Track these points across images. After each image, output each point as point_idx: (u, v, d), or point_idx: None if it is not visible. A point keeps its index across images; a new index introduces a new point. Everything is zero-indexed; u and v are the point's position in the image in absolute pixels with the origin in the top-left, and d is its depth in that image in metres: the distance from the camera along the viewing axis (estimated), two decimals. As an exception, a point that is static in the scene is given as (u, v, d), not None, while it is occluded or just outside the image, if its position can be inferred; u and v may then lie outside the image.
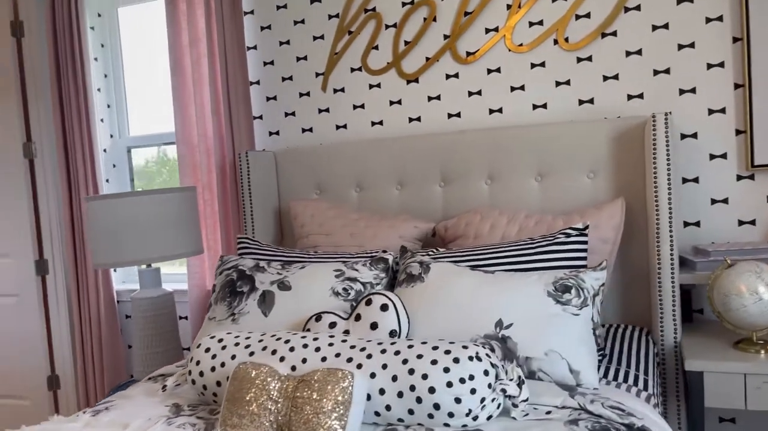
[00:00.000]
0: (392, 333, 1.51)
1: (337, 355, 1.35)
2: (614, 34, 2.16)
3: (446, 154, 2.30)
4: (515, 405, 1.29)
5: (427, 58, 2.43)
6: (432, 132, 2.44)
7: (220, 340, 1.49)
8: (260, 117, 2.72)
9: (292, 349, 1.39)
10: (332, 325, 1.57)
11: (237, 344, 1.47)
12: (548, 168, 2.15)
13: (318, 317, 1.60)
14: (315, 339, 1.41)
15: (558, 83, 2.25)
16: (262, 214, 2.49)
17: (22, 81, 3.07)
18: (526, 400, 1.30)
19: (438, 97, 2.43)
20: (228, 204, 2.63)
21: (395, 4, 2.44)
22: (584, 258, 1.73)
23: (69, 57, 2.91)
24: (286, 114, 2.68)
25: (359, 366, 1.31)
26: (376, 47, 2.50)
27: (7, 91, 3.04)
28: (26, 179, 3.06)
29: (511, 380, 1.29)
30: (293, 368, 1.34)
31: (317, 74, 2.60)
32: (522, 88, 2.31)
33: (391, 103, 2.50)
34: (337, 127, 2.59)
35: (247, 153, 2.42)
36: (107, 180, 3.09)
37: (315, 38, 2.59)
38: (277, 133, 2.70)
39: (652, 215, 1.89)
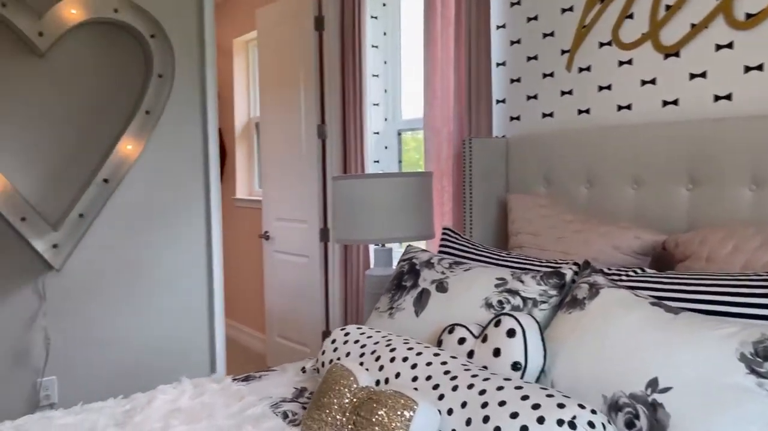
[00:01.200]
0: (515, 366, 1.26)
1: (428, 378, 1.20)
2: None
3: (702, 147, 1.79)
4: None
5: (693, 25, 1.91)
6: (689, 119, 1.93)
7: (347, 334, 1.47)
8: (503, 101, 2.55)
9: (392, 359, 1.29)
10: (461, 341, 1.39)
11: (357, 341, 1.43)
12: None
13: (451, 329, 1.44)
14: (418, 354, 1.28)
15: None
16: (484, 204, 2.34)
17: (320, 70, 3.49)
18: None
19: (703, 75, 1.90)
20: (459, 192, 2.55)
21: (655, -40, 1.97)
22: None
23: (350, 46, 3.19)
24: (528, 97, 2.45)
25: (441, 397, 1.14)
26: (631, 16, 2.08)
27: (311, 79, 3.50)
28: (318, 157, 3.50)
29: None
30: (378, 382, 1.24)
31: (563, 52, 2.30)
32: (825, 58, 1.64)
33: (643, 83, 2.05)
34: (579, 111, 2.26)
35: (471, 140, 2.30)
36: (377, 161, 3.31)
37: (563, 11, 2.29)
38: (518, 118, 2.49)
39: None
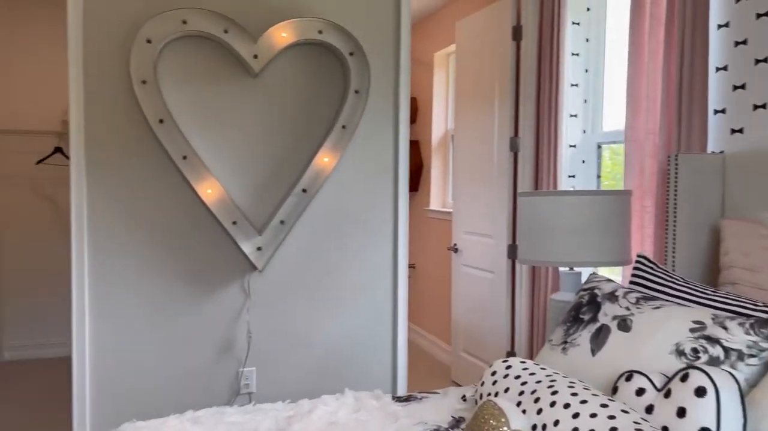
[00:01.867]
0: (706, 432, 1.05)
1: (592, 433, 1.05)
2: None
3: None
4: None
5: None
6: None
7: (508, 367, 1.37)
8: (722, 111, 2.21)
9: (552, 404, 1.16)
10: (639, 392, 1.20)
11: (518, 377, 1.31)
12: None
13: (629, 376, 1.25)
14: (583, 402, 1.13)
15: None
16: (691, 230, 2.04)
17: (517, 81, 3.38)
18: None
19: None
20: (662, 214, 2.27)
21: None
22: None
23: (548, 55, 3.03)
24: (755, 107, 2.08)
25: (605, 458, 0.99)
26: None
27: (506, 90, 3.40)
28: (509, 170, 3.38)
29: None
30: (534, 427, 1.12)
31: (802, 52, 1.92)
32: None
33: None
34: (823, 124, 1.86)
35: (677, 156, 2.03)
36: (572, 176, 3.10)
37: (804, 3, 1.91)
38: (741, 131, 2.14)
39: None
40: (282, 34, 2.75)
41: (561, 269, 2.67)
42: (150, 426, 1.47)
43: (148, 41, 2.59)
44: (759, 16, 2.06)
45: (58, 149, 4.48)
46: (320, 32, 2.80)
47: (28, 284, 4.71)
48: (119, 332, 2.74)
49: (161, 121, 2.63)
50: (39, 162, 4.53)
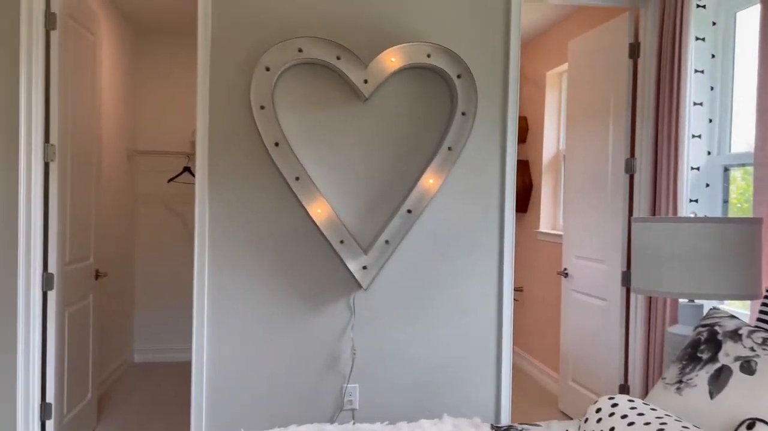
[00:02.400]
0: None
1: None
2: None
3: None
4: None
5: None
6: None
7: (614, 405, 1.29)
8: None
9: (661, 450, 1.08)
10: (764, 444, 1.09)
11: (624, 416, 1.24)
12: None
13: (751, 423, 1.14)
14: (696, 450, 1.04)
15: None
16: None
17: (633, 100, 3.23)
18: None
19: None
20: (798, 245, 2.07)
21: None
22: None
23: (668, 73, 2.88)
24: None
25: None
26: None
27: (621, 109, 3.26)
28: (624, 193, 3.22)
29: None
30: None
31: None
32: None
33: None
34: None
35: (815, 182, 1.84)
36: (695, 200, 2.90)
37: None
38: None
39: None
40: (391, 59, 2.82)
41: (680, 300, 2.50)
42: None
43: (267, 69, 2.75)
44: None
45: (186, 169, 4.84)
46: (428, 56, 2.84)
47: (158, 292, 5.10)
48: (234, 341, 2.89)
49: (277, 144, 2.77)
50: (170, 180, 4.92)
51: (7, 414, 2.77)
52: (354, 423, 1.65)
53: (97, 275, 3.40)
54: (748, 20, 2.79)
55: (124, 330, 4.84)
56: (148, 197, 5.07)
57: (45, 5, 2.75)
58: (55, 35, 2.76)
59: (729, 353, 1.43)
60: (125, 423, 3.68)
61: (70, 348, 3.08)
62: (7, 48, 2.70)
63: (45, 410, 2.85)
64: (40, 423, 2.82)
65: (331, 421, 2.98)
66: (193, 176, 4.48)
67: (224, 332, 2.88)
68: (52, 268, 2.82)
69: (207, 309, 2.86)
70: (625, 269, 3.21)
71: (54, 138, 2.80)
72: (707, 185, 2.91)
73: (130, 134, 4.89)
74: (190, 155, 4.80)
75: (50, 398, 2.86)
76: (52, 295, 2.83)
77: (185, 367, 4.82)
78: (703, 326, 1.62)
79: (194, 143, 4.79)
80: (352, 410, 2.97)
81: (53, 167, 2.81)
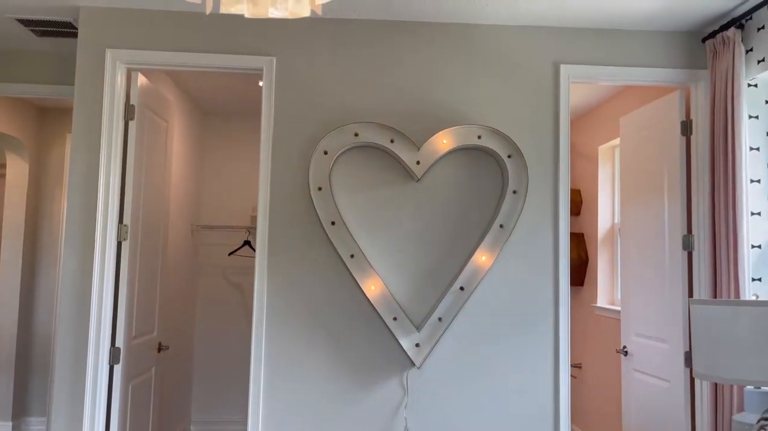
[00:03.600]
0: None
1: None
2: None
3: None
4: None
5: None
6: None
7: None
8: None
9: None
10: None
11: None
12: None
13: None
14: None
15: None
16: None
17: (688, 176, 3.21)
18: None
19: None
20: None
21: None
22: None
23: (722, 150, 2.87)
24: None
25: None
26: None
27: (675, 185, 3.24)
28: (683, 270, 3.15)
29: None
30: None
31: None
32: None
33: None
34: None
35: None
36: (758, 279, 2.81)
37: None
38: None
39: None
40: (443, 141, 2.92)
41: (747, 387, 2.40)
42: None
43: (325, 152, 2.90)
44: None
45: (246, 242, 5.02)
46: (479, 137, 2.93)
47: (216, 363, 5.19)
48: (288, 414, 2.92)
49: (333, 223, 2.88)
50: (231, 254, 5.11)
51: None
52: None
53: (160, 349, 3.52)
54: (803, 97, 2.77)
55: (183, 402, 4.93)
56: (209, 269, 5.25)
57: (125, 98, 3.01)
58: (132, 125, 3.00)
59: (795, 451, 1.38)
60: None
61: (131, 420, 3.17)
62: (89, 136, 2.95)
63: None
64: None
65: (384, 503, 2.93)
66: (253, 249, 4.65)
67: (279, 406, 2.92)
68: (119, 342, 2.95)
69: (263, 385, 2.92)
70: (687, 349, 3.10)
71: (127, 218, 2.99)
72: (771, 263, 2.83)
73: (194, 210, 5.14)
74: (250, 230, 4.99)
75: None
76: (118, 368, 2.95)
77: (239, 440, 4.84)
78: (765, 418, 1.56)
79: (254, 218, 5.00)
80: (405, 493, 2.92)
81: (125, 246, 2.98)
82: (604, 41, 3.15)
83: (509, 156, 2.94)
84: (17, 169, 4.89)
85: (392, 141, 2.91)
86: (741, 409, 2.62)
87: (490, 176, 3.06)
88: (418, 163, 2.92)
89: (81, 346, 2.87)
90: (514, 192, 2.95)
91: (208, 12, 1.26)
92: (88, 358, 2.84)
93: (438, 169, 3.05)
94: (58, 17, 3.11)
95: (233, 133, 5.36)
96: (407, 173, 3.02)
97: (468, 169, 3.06)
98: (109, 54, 2.95)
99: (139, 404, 3.27)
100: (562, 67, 3.10)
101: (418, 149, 2.91)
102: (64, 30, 3.31)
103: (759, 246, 2.84)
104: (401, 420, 2.94)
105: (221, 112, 5.28)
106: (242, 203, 5.28)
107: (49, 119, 5.10)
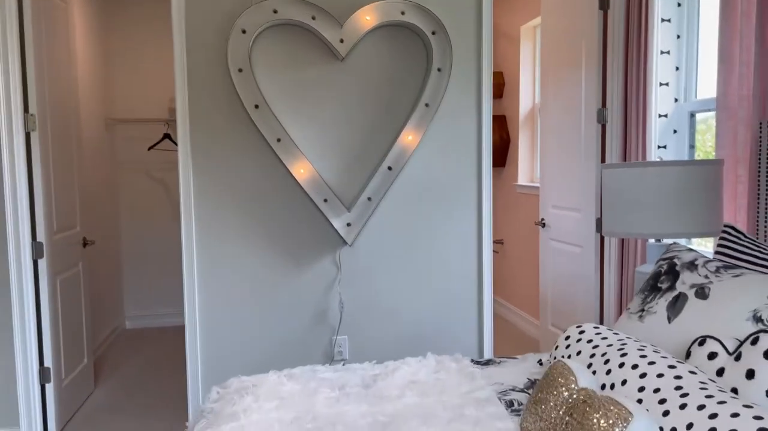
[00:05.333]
0: (774, 393, 1.07)
1: (656, 391, 1.10)
2: None
3: None
4: None
5: None
6: None
7: (582, 332, 1.42)
8: (824, 73, 2.10)
9: (621, 365, 1.21)
10: (711, 356, 1.23)
11: (590, 341, 1.37)
12: None
13: (702, 341, 1.27)
14: (651, 363, 1.18)
15: None
16: (785, 200, 1.98)
17: (604, 51, 3.31)
18: None
19: None
20: (753, 186, 2.19)
21: None
22: None
23: (636, 23, 2.96)
24: None
25: (666, 414, 1.04)
26: None
27: (593, 60, 3.34)
28: (597, 143, 3.33)
29: None
30: (603, 386, 1.18)
31: None
32: None
33: None
34: None
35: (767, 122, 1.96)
36: (663, 146, 3.02)
37: None
38: (844, 93, 2.03)
39: None
40: (366, 18, 2.86)
41: (649, 241, 2.64)
42: (252, 380, 1.65)
43: (243, 31, 2.78)
44: None
45: (166, 136, 4.85)
46: (402, 13, 2.88)
47: (144, 259, 5.17)
48: (225, 302, 2.99)
49: (257, 106, 2.82)
50: (150, 148, 4.94)
51: (7, 380, 2.87)
52: (344, 364, 1.77)
53: (85, 244, 3.46)
54: (713, -32, 2.86)
55: (115, 298, 4.92)
56: (129, 165, 5.09)
57: (16, -27, 2.74)
58: (27, 3, 2.75)
59: (685, 281, 1.56)
60: (121, 386, 3.79)
61: (63, 315, 3.16)
62: (-20, 19, 2.70)
63: (44, 374, 2.94)
64: (39, 387, 2.92)
65: (323, 372, 3.12)
66: (174, 143, 4.51)
67: (214, 295, 2.98)
68: (41, 237, 2.88)
69: (197, 274, 2.95)
70: (599, 216, 3.34)
71: (33, 108, 2.83)
72: (675, 131, 3.03)
73: (107, 103, 4.87)
74: (169, 122, 4.82)
75: (48, 362, 2.96)
76: (42, 263, 2.90)
77: (177, 331, 4.93)
78: (664, 259, 1.75)
79: (173, 110, 4.81)
80: (342, 360, 3.10)
81: (34, 137, 2.84)
82: None
83: (433, 33, 2.92)
84: None
85: (314, 18, 2.82)
86: (644, 261, 2.90)
87: (415, 55, 3.05)
88: (341, 41, 2.86)
89: (0, 241, 2.79)
90: (439, 70, 2.96)
91: None
92: (9, 252, 2.77)
93: (363, 47, 3.01)
94: None
95: (143, 19, 5.01)
96: (331, 53, 2.96)
97: (393, 47, 3.04)
98: None
99: (69, 298, 3.26)
100: (485, -62, 3.04)
101: (341, 26, 2.84)
102: None
103: (665, 115, 3.03)
104: (336, 295, 3.08)
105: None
106: (159, 93, 5.05)
107: None
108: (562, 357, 1.42)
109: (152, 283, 5.18)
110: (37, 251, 2.87)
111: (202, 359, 2.98)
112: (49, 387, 2.97)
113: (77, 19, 4.06)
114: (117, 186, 5.06)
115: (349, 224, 2.94)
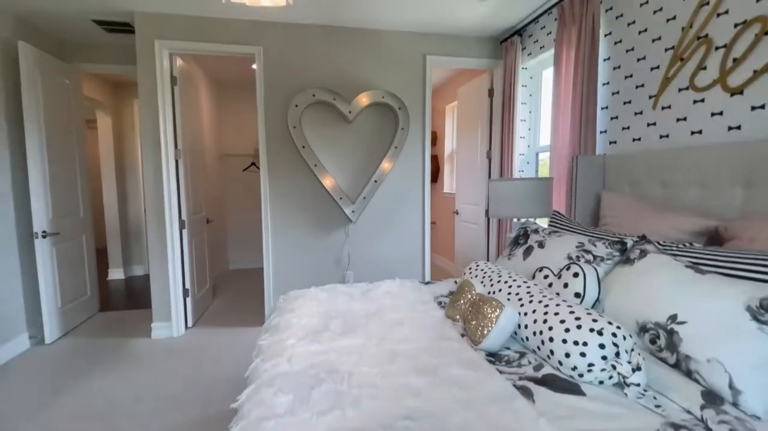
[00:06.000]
0: (576, 295, 1.13)
1: (516, 294, 1.16)
2: None
3: (756, 161, 1.34)
4: (627, 384, 0.83)
5: (756, 71, 1.41)
6: (746, 141, 1.44)
7: (477, 265, 1.47)
8: (605, 132, 2.17)
9: (498, 281, 1.26)
10: (545, 277, 1.29)
11: (482, 270, 1.42)
12: None
13: (541, 269, 1.33)
14: (514, 280, 1.23)
15: None
16: (584, 199, 2.05)
17: (490, 120, 3.34)
18: (638, 385, 0.81)
19: (762, 107, 1.39)
20: (570, 189, 2.27)
21: (725, 27, 1.49)
22: None
23: (508, 105, 3.01)
24: (623, 128, 2.05)
25: (521, 305, 1.09)
26: (704, 68, 1.60)
27: (485, 125, 3.36)
28: (486, 169, 3.37)
29: (628, 362, 0.83)
30: (489, 293, 1.23)
31: (650, 96, 1.88)
32: None
33: (712, 114, 1.58)
34: (660, 136, 1.83)
35: (577, 157, 2.03)
36: (522, 171, 3.09)
37: (652, 69, 1.86)
38: (615, 142, 2.11)
39: None
40: (364, 99, 2.86)
41: (513, 220, 2.70)
42: (301, 292, 1.66)
43: (296, 106, 2.77)
44: (626, 77, 2.02)
45: (252, 163, 4.77)
46: (383, 97, 2.89)
47: (240, 228, 5.08)
48: (285, 253, 2.98)
49: (303, 146, 2.81)
50: (244, 170, 4.85)
51: (164, 296, 2.84)
52: (351, 283, 1.80)
53: (208, 221, 3.41)
54: (548, 75, 2.93)
55: (222, 251, 4.85)
56: (231, 179, 5.01)
57: (170, 71, 2.68)
58: (176, 89, 2.70)
59: (533, 239, 1.62)
60: (229, 300, 3.75)
61: (196, 260, 3.12)
62: (150, 97, 2.65)
63: (185, 292, 2.91)
64: (183, 299, 2.89)
65: (339, 291, 3.12)
66: (257, 168, 4.40)
67: (279, 249, 2.96)
68: (184, 216, 2.84)
69: (270, 237, 2.94)
70: (487, 207, 3.40)
71: (180, 145, 2.78)
72: (528, 163, 3.10)
73: (219, 145, 4.78)
74: (254, 156, 4.74)
75: (188, 285, 2.92)
76: (185, 233, 2.86)
77: (257, 271, 4.87)
78: (521, 228, 1.81)
79: (256, 149, 4.73)
80: (349, 282, 3.11)
81: (180, 163, 2.79)
82: (451, 41, 3.12)
83: (399, 108, 2.94)
84: (104, 122, 4.29)
85: (335, 99, 2.82)
86: (510, 231, 2.98)
87: (390, 120, 3.07)
88: (350, 112, 2.86)
89: (161, 220, 2.75)
90: (402, 129, 2.98)
91: (223, 1, 1.14)
92: (166, 226, 2.73)
93: (361, 115, 3.01)
94: (120, 19, 2.65)
95: (239, 96, 4.91)
96: (344, 118, 2.96)
97: (378, 115, 3.05)
98: (157, 43, 2.59)
99: (199, 252, 3.22)
100: (428, 57, 3.06)
101: (350, 103, 2.84)
102: (125, 28, 2.82)
103: (523, 154, 3.09)
104: (346, 249, 3.09)
105: (230, 83, 4.80)
106: (247, 138, 4.96)
107: (121, 88, 4.44)
108: (467, 277, 1.48)
109: (246, 241, 5.11)
110: (181, 224, 2.82)
111: (273, 284, 2.98)
112: (189, 300, 2.94)
113: (203, 92, 3.97)
114: (225, 190, 4.97)
115: (353, 212, 2.95)
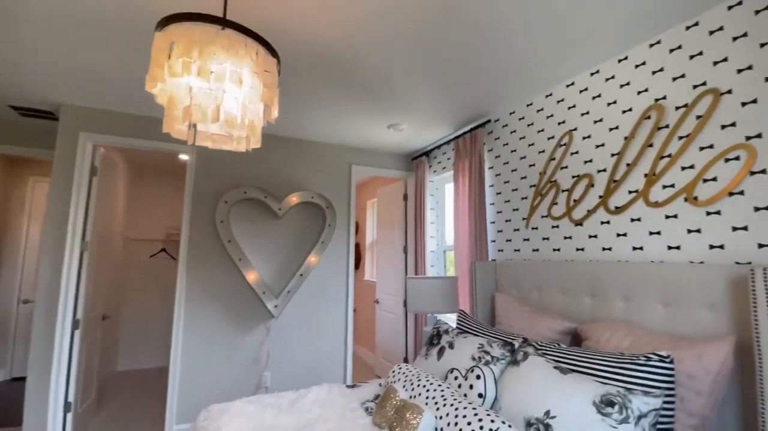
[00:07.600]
0: (480, 395, 1.34)
1: (433, 398, 1.31)
2: (741, 193, 1.39)
3: (596, 276, 1.82)
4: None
5: (588, 211, 2.00)
6: (589, 260, 1.96)
7: (399, 368, 1.61)
8: (494, 241, 2.67)
9: (417, 385, 1.41)
10: (456, 378, 1.48)
11: (404, 373, 1.55)
12: (674, 298, 1.48)
13: (452, 370, 1.53)
14: (431, 384, 1.39)
15: (689, 231, 1.55)
16: (484, 298, 2.41)
17: (405, 219, 3.77)
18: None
19: (596, 236, 1.96)
20: (471, 290, 2.63)
21: (567, 177, 2.12)
22: (667, 382, 1.15)
23: (420, 208, 3.46)
24: (507, 240, 2.55)
25: (438, 409, 1.25)
26: (556, 203, 2.20)
27: (401, 223, 3.77)
28: (403, 261, 3.69)
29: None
30: (411, 397, 1.36)
31: (523, 218, 2.43)
32: (659, 233, 1.67)
33: (565, 238, 2.13)
34: (533, 250, 2.33)
35: (475, 262, 2.43)
36: (433, 266, 3.46)
37: (522, 198, 2.44)
38: (502, 250, 2.59)
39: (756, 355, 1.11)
40: (293, 198, 3.04)
41: (428, 315, 2.94)
42: (223, 408, 1.55)
43: (225, 202, 2.81)
44: (506, 201, 2.58)
45: (163, 249, 4.42)
46: (312, 197, 3.11)
47: (138, 323, 4.43)
48: (197, 350, 2.72)
49: (229, 241, 2.80)
50: (152, 256, 4.44)
51: (41, 414, 2.29)
52: (277, 392, 1.73)
53: (104, 318, 2.97)
54: (450, 188, 3.50)
55: (113, 352, 4.10)
56: (136, 266, 4.50)
57: (91, 162, 2.57)
58: (95, 179, 2.57)
59: (444, 340, 1.83)
60: (117, 410, 3.11)
61: (86, 365, 2.63)
62: (64, 184, 2.46)
63: (66, 406, 2.38)
64: (62, 416, 2.35)
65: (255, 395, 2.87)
66: (169, 255, 4.10)
67: (191, 345, 2.70)
68: (79, 315, 2.47)
69: (181, 332, 2.69)
70: (404, 298, 3.62)
71: (88, 237, 2.54)
72: (438, 259, 3.49)
73: (125, 229, 4.37)
74: (165, 241, 4.41)
75: (71, 397, 2.41)
76: (77, 334, 2.46)
77: (150, 372, 4.18)
78: (435, 328, 2.02)
79: (169, 233, 4.44)
80: (266, 387, 2.91)
81: (85, 255, 2.52)
82: (372, 155, 3.58)
83: (327, 207, 3.17)
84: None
85: (265, 197, 2.94)
86: (426, 324, 3.19)
87: (317, 217, 3.25)
88: (280, 209, 2.99)
89: (51, 320, 2.34)
90: (329, 225, 3.17)
91: (189, 143, 1.28)
92: (56, 328, 2.33)
93: (291, 212, 3.15)
94: (44, 108, 2.54)
95: (155, 181, 4.69)
96: (274, 214, 3.06)
97: (306, 212, 3.21)
98: (82, 135, 2.51)
99: (88, 357, 2.73)
100: (353, 166, 3.45)
101: (280, 201, 2.99)
102: (45, 116, 2.69)
103: (433, 251, 3.49)
104: (265, 348, 2.94)
105: (149, 169, 4.61)
106: (159, 224, 4.64)
107: (16, 164, 3.92)
108: (391, 382, 1.59)
109: (140, 338, 4.41)
110: (75, 325, 2.43)
111: (179, 387, 2.63)
112: (69, 416, 2.39)
113: (121, 179, 3.73)
114: (127, 279, 4.40)
115: (276, 306, 2.90)
